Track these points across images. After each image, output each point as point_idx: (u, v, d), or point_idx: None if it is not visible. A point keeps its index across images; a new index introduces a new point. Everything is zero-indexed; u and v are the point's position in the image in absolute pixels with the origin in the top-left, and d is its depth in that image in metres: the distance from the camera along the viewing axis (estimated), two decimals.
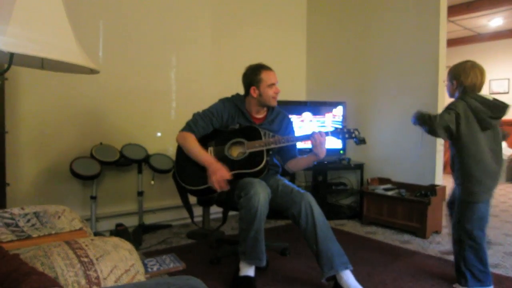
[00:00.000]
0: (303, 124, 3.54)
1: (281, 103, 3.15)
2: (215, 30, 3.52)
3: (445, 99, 2.89)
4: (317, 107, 3.61)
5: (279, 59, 3.95)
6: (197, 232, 2.95)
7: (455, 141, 1.93)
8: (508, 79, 6.68)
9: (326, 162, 3.50)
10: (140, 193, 2.97)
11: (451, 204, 2.22)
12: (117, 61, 2.96)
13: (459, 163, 1.95)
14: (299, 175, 3.99)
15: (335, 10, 4.03)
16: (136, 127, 3.07)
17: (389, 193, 3.15)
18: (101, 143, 2.82)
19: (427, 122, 1.90)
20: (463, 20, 5.90)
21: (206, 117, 2.17)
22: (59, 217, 1.33)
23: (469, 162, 1.89)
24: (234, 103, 2.23)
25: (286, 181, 2.16)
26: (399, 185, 3.27)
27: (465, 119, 1.86)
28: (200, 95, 3.27)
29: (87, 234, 1.33)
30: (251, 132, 2.11)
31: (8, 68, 1.16)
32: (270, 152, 2.14)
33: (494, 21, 6.02)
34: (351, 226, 3.24)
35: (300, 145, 2.28)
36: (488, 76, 7.17)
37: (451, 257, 2.30)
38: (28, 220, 1.26)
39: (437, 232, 3.01)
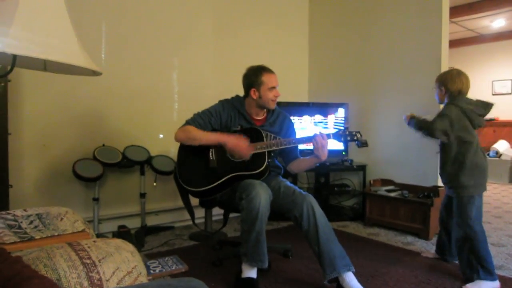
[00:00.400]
0: (305, 125, 3.54)
1: (284, 104, 3.13)
2: (217, 32, 3.52)
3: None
4: (319, 108, 3.60)
5: (281, 60, 3.96)
6: (200, 234, 2.95)
7: (451, 142, 2.08)
8: (511, 80, 6.65)
9: (328, 164, 3.49)
10: (142, 195, 2.97)
11: (444, 209, 2.33)
12: (120, 63, 2.98)
13: (453, 163, 2.08)
14: (302, 176, 3.98)
15: (337, 11, 4.03)
16: (138, 129, 3.07)
17: (392, 194, 3.15)
18: (103, 145, 2.82)
19: (424, 127, 2.11)
20: (466, 21, 5.88)
21: (205, 116, 2.17)
22: (61, 219, 1.33)
23: (465, 159, 2.04)
24: (233, 105, 2.23)
25: (288, 183, 2.15)
26: (402, 186, 3.26)
27: (458, 122, 2.04)
28: (202, 97, 3.28)
29: (90, 236, 1.33)
30: (253, 134, 2.11)
31: (11, 70, 1.16)
32: (272, 154, 2.13)
33: (496, 22, 6.01)
34: (354, 228, 3.23)
35: (302, 146, 2.28)
36: (491, 77, 7.17)
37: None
38: (31, 222, 1.26)
39: None
